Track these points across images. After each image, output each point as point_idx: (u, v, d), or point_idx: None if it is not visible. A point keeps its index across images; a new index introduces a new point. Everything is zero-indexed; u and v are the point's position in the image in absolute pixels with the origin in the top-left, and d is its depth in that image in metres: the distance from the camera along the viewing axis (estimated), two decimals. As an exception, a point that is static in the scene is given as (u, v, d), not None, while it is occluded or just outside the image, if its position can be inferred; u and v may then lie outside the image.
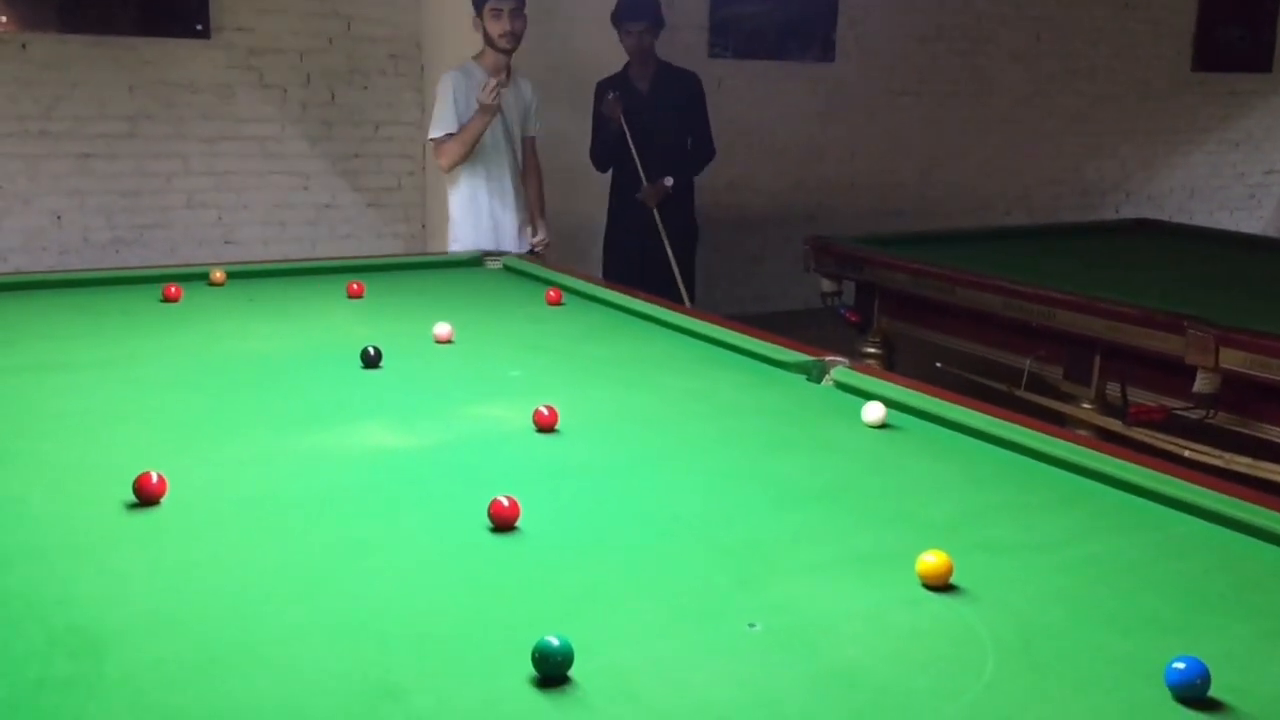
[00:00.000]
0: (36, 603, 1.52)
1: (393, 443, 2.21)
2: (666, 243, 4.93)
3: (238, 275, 3.63)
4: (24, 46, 5.32)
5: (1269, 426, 3.29)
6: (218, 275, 3.55)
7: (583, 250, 5.50)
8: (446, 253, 4.40)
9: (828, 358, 2.70)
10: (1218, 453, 3.25)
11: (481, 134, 4.31)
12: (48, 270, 4.78)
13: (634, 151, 4.92)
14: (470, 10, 4.44)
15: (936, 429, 2.33)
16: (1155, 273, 4.76)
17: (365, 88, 6.03)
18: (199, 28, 5.59)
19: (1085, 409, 3.79)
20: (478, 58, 4.43)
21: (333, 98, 5.97)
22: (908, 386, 2.50)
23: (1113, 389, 3.71)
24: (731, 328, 3.00)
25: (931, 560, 1.62)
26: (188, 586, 1.59)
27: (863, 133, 7.58)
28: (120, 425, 2.27)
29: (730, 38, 7.07)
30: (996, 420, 2.26)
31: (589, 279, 3.63)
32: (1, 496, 1.88)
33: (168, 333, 2.99)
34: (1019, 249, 5.14)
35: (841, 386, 2.58)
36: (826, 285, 4.93)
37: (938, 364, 4.20)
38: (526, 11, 4.38)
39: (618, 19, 5.10)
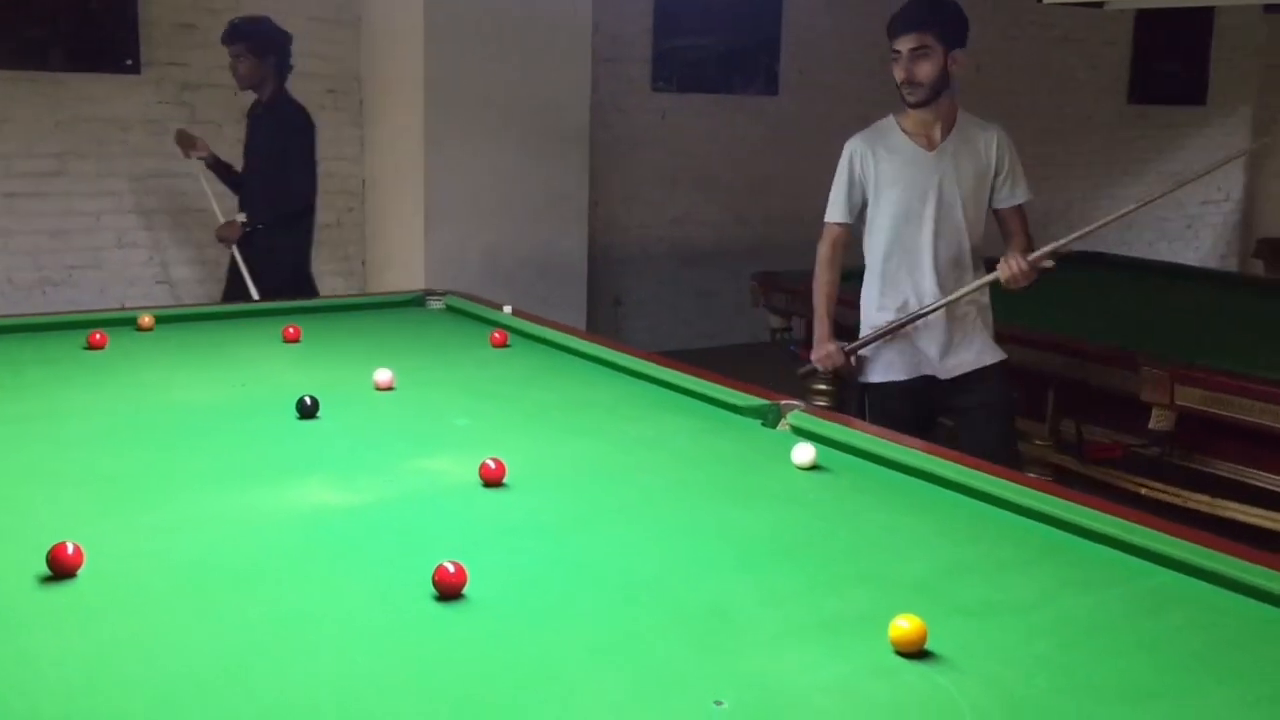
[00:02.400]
0: (-68, 695, 1.38)
1: (331, 501, 2.09)
2: (250, 285, 4.68)
3: (167, 319, 3.48)
4: (-55, 82, 5.14)
5: (1226, 464, 3.27)
6: (146, 320, 3.40)
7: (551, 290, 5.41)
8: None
9: (783, 401, 2.63)
10: (1175, 490, 3.22)
11: None
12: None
13: (205, 186, 4.99)
14: None
15: (896, 475, 2.26)
16: (1103, 306, 4.75)
17: (303, 123, 5.89)
18: (129, 63, 5.44)
19: (1040, 445, 3.75)
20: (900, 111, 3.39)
21: (269, 133, 5.82)
22: (866, 431, 2.42)
23: (1067, 426, 3.67)
24: (682, 370, 2.91)
25: (904, 626, 1.53)
26: (102, 672, 1.45)
27: (808, 166, 7.54)
28: (37, 487, 2.12)
29: (673, 70, 7.04)
30: (962, 468, 2.19)
31: (534, 319, 3.52)
32: (-100, 571, 1.73)
33: (91, 384, 2.83)
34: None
35: (798, 431, 2.50)
36: (775, 321, 4.88)
37: (889, 401, 4.14)
38: (935, 50, 3.18)
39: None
